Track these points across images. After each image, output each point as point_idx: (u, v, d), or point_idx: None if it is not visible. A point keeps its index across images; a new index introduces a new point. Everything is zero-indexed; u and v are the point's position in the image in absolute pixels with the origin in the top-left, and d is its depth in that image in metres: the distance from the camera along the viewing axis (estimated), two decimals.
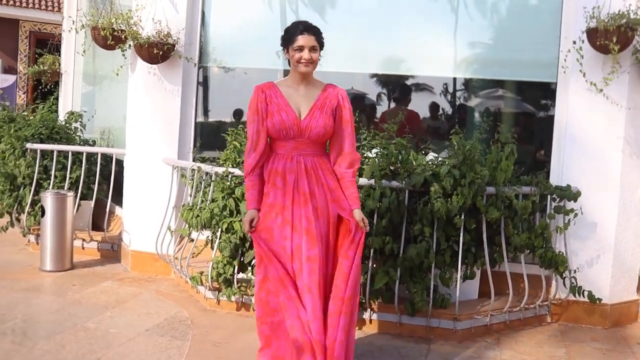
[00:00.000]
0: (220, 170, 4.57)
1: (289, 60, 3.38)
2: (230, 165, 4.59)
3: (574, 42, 4.45)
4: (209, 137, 5.73)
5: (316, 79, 3.44)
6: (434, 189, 4.11)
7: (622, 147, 4.58)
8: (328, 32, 3.42)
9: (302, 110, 3.33)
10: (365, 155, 4.51)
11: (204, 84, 5.76)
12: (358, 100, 5.76)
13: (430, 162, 4.40)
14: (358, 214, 3.34)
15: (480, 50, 5.22)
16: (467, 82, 5.59)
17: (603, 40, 4.24)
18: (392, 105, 5.84)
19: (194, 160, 5.30)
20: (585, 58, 4.45)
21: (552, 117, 4.86)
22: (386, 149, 4.45)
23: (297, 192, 3.29)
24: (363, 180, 4.24)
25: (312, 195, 3.30)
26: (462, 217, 4.20)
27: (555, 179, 4.73)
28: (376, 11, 5.37)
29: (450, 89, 5.78)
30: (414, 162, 4.38)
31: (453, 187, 4.10)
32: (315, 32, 3.31)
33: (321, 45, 3.35)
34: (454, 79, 5.56)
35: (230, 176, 4.53)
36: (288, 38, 3.32)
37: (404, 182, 4.25)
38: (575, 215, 4.48)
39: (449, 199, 4.11)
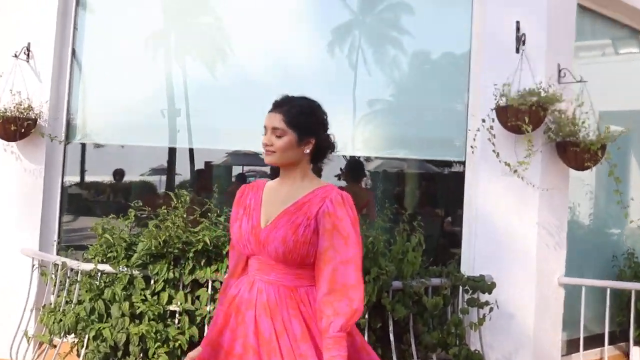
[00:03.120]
0: (88, 267, 3.92)
1: None
2: (100, 261, 3.95)
3: (483, 121, 4.16)
4: (80, 217, 5.09)
5: (317, 178, 2.48)
6: None
7: (538, 231, 4.34)
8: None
9: (271, 218, 2.41)
10: None
11: (79, 161, 5.09)
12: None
13: None
14: None
15: (385, 128, 4.90)
16: (371, 161, 5.26)
17: (514, 120, 3.94)
18: None
19: (61, 245, 4.65)
20: (497, 137, 4.15)
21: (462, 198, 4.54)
22: None
23: (257, 338, 2.33)
24: None
25: (279, 343, 2.30)
26: (366, 317, 3.76)
27: (466, 268, 4.37)
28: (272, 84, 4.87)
29: None
30: None
31: None
32: (283, 107, 2.39)
33: (297, 126, 2.37)
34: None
35: (99, 274, 3.89)
36: None
37: None
38: (491, 309, 4.09)
39: None
